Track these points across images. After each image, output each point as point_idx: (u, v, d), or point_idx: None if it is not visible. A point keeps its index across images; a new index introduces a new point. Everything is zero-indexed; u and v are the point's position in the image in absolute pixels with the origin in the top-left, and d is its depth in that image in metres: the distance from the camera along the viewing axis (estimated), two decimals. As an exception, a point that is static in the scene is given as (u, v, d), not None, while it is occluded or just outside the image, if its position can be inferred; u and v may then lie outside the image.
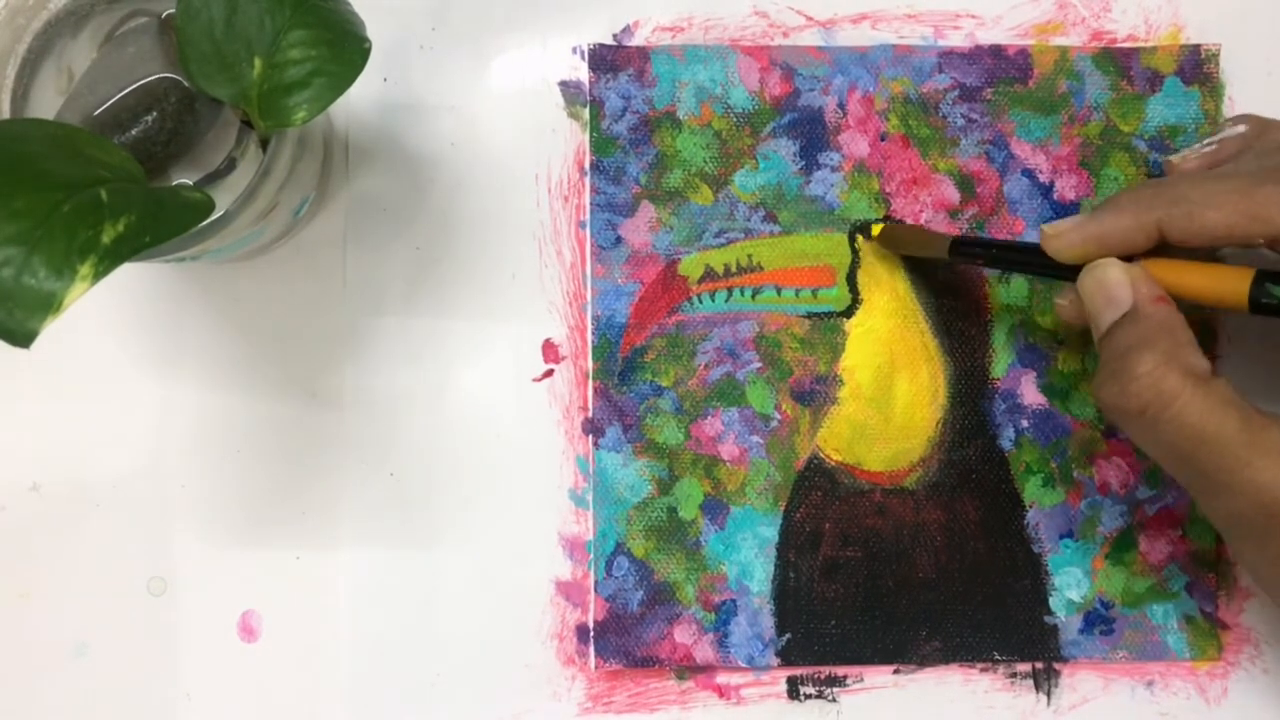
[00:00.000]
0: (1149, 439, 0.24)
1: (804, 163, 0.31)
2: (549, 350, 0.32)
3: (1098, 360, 0.26)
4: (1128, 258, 0.26)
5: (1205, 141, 0.28)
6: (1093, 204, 0.31)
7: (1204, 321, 0.31)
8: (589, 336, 0.31)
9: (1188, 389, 0.23)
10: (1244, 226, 0.24)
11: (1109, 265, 0.25)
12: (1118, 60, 0.32)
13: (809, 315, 0.31)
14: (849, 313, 0.31)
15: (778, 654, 0.30)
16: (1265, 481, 0.23)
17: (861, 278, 0.31)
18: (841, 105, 0.32)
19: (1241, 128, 0.28)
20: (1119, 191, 0.26)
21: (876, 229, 0.31)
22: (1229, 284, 0.24)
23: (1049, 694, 0.31)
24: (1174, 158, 0.29)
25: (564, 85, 0.32)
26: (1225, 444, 0.23)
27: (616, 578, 0.31)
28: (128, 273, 0.31)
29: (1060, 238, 0.26)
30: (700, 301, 0.31)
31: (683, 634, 0.30)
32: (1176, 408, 0.23)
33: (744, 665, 0.30)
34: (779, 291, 0.31)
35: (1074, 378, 0.31)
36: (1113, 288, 0.25)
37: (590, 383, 0.31)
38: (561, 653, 0.31)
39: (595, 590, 0.31)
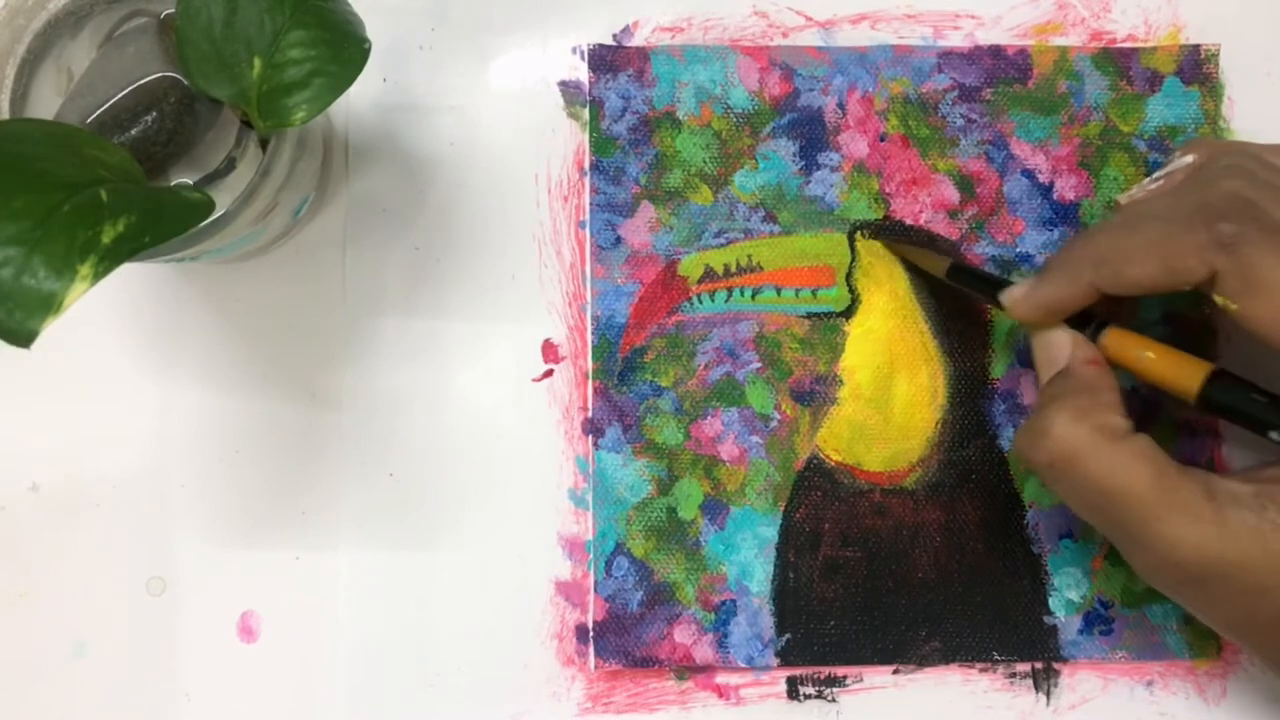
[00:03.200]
0: (1060, 490, 0.25)
1: (803, 163, 0.31)
2: (548, 350, 0.32)
3: None
4: (1089, 315, 0.27)
5: (1154, 175, 0.28)
6: (1092, 204, 0.31)
7: (1203, 322, 0.31)
8: (589, 337, 0.31)
9: (1095, 445, 0.24)
10: (1166, 279, 0.25)
11: (1056, 328, 0.26)
12: (1117, 60, 0.32)
13: (809, 315, 0.31)
14: (849, 313, 0.31)
15: (777, 654, 0.30)
16: (1174, 536, 0.23)
17: (861, 278, 0.31)
18: (841, 105, 0.32)
19: (1189, 158, 0.27)
20: (1057, 251, 0.27)
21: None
22: (1184, 375, 0.25)
23: (1048, 694, 0.31)
24: (1122, 197, 0.29)
25: (564, 85, 0.32)
26: (1135, 498, 0.23)
27: (616, 578, 0.31)
28: (127, 273, 0.31)
29: (1015, 306, 0.27)
30: (700, 302, 0.31)
31: (682, 634, 0.30)
32: (1082, 463, 0.24)
33: (743, 665, 0.30)
34: (779, 292, 0.31)
35: (1073, 378, 0.31)
36: (1054, 348, 0.26)
37: (590, 383, 0.31)
38: (561, 653, 0.31)
39: (595, 590, 0.31)
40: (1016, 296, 0.27)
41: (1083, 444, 0.24)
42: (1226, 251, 0.24)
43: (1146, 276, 0.25)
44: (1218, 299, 0.24)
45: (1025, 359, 0.31)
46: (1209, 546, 0.23)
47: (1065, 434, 0.24)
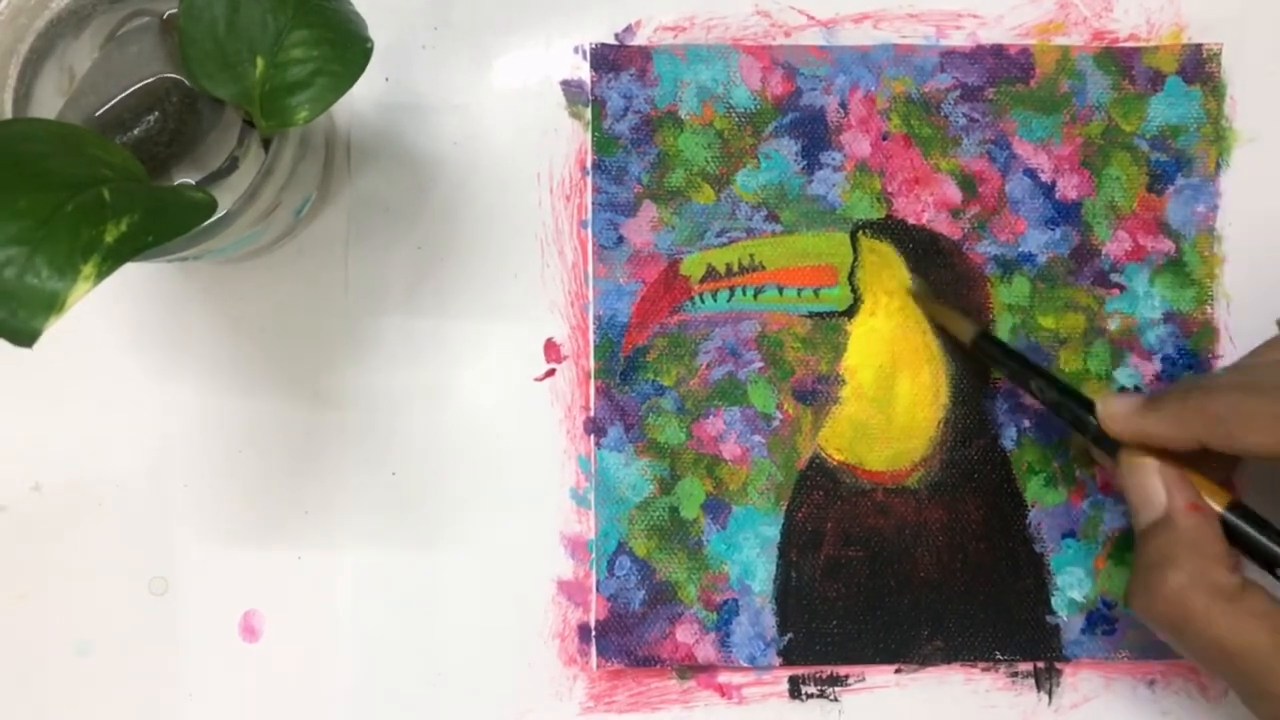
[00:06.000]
0: (1180, 648, 0.25)
1: (806, 162, 0.31)
2: (551, 350, 0.32)
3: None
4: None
5: None
6: (1094, 204, 0.31)
7: (1206, 322, 0.31)
8: (591, 336, 0.31)
9: (1214, 608, 0.24)
10: None
11: (1148, 469, 0.26)
12: (1119, 60, 0.32)
13: (811, 315, 0.31)
14: (851, 312, 0.31)
15: (779, 653, 0.30)
16: None
17: (863, 277, 0.31)
18: (843, 105, 0.32)
19: None
20: (1174, 388, 0.26)
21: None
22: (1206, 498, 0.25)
23: (1050, 693, 0.31)
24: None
25: (566, 85, 0.32)
26: (1255, 656, 0.23)
27: (618, 577, 0.31)
28: (130, 272, 0.31)
29: (1113, 421, 0.26)
30: (702, 301, 0.31)
31: (684, 633, 0.30)
32: (1200, 625, 0.24)
33: (746, 665, 0.30)
34: (781, 291, 0.31)
35: (1076, 377, 0.31)
36: (1149, 491, 0.26)
37: (592, 382, 0.31)
38: (563, 652, 0.31)
39: (597, 590, 0.31)
40: (1116, 413, 0.26)
41: (1199, 606, 0.24)
42: None
43: (1263, 445, 0.24)
44: None
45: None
46: None
47: (1180, 596, 0.24)
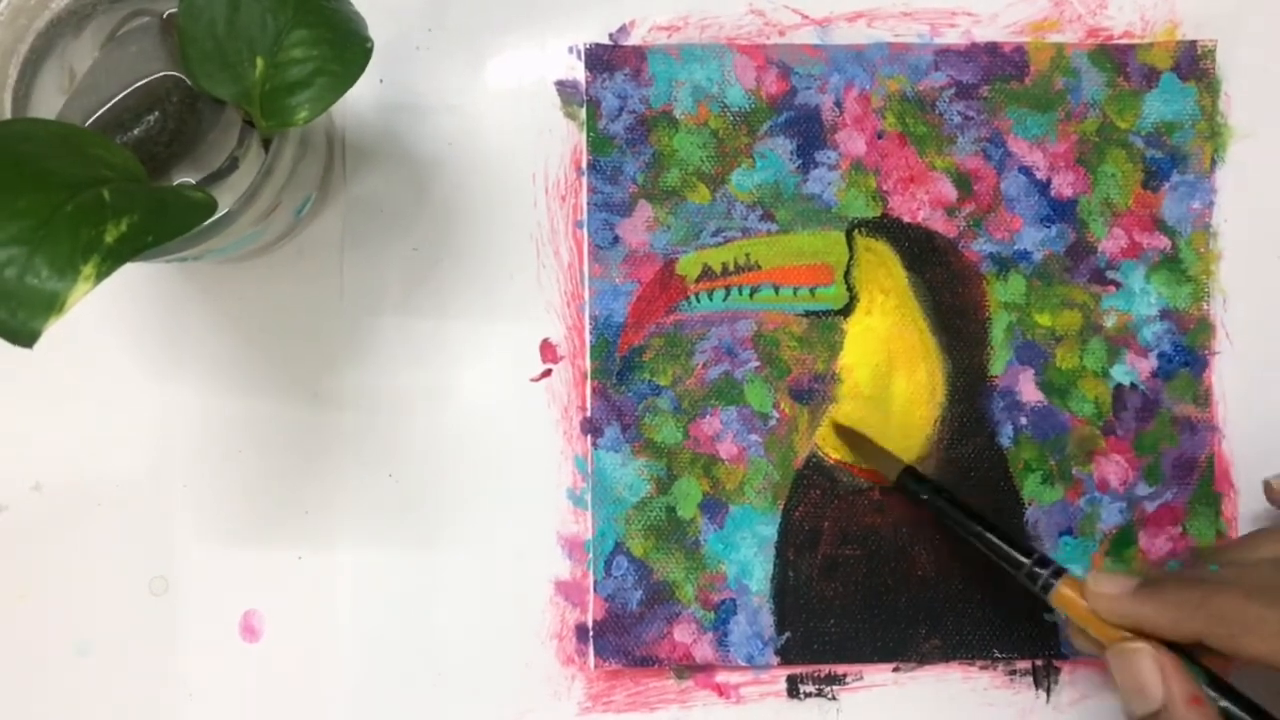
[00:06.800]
0: None
1: (801, 161, 0.32)
2: (547, 350, 0.32)
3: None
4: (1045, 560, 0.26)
5: None
6: (1090, 201, 0.31)
7: (1201, 317, 0.31)
8: (587, 336, 0.31)
9: None
10: None
11: (1142, 654, 0.24)
12: (1114, 57, 0.32)
13: (807, 314, 0.31)
14: (847, 311, 0.31)
15: (777, 653, 0.30)
16: None
17: (859, 276, 0.31)
18: (838, 103, 0.32)
19: None
20: (1171, 577, 0.25)
21: (833, 423, 0.31)
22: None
23: (1049, 690, 0.31)
24: (1274, 478, 0.28)
25: (560, 85, 0.32)
26: None
27: (616, 577, 0.31)
28: (130, 272, 0.31)
29: (1104, 600, 0.25)
30: (698, 300, 0.31)
31: (682, 633, 0.30)
32: None
33: (743, 664, 0.30)
34: (777, 290, 0.31)
35: (1073, 375, 0.31)
36: (1144, 679, 0.24)
37: (588, 382, 0.31)
38: (561, 652, 0.31)
39: (594, 590, 0.31)
40: (1109, 593, 0.25)
41: None
42: None
43: (1264, 653, 0.23)
44: None
45: (1023, 356, 0.31)
46: None
47: None
